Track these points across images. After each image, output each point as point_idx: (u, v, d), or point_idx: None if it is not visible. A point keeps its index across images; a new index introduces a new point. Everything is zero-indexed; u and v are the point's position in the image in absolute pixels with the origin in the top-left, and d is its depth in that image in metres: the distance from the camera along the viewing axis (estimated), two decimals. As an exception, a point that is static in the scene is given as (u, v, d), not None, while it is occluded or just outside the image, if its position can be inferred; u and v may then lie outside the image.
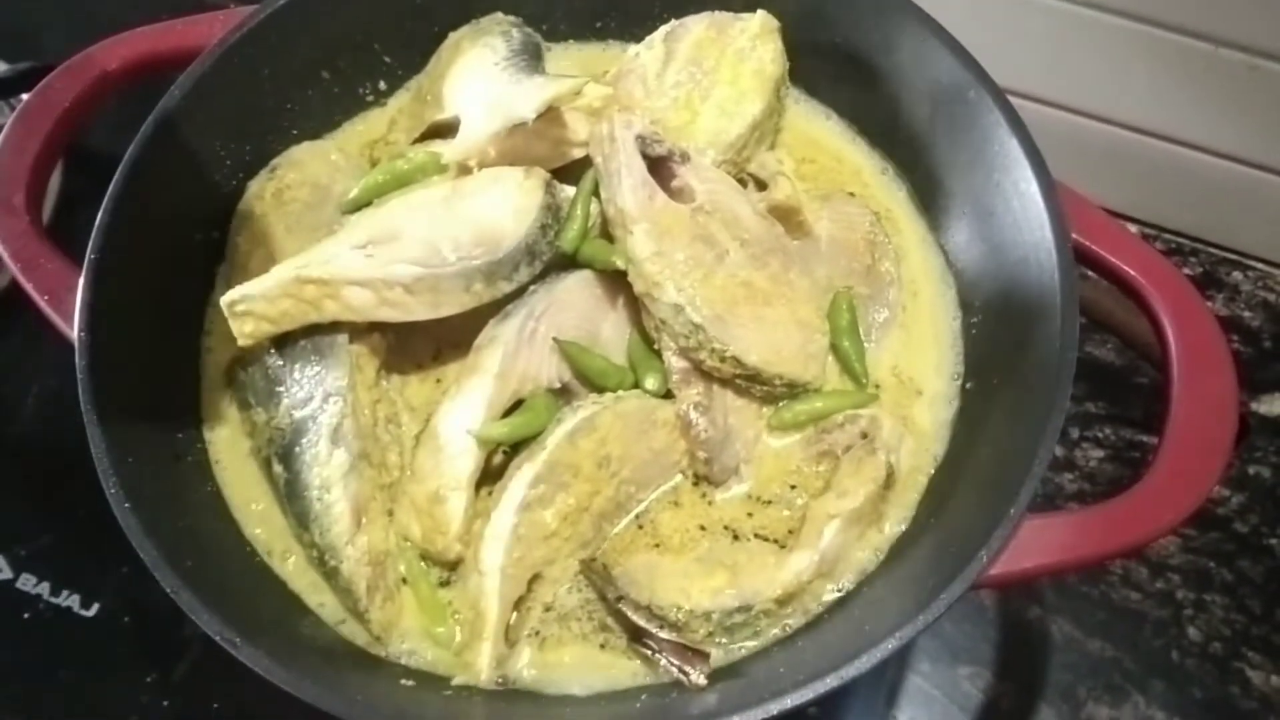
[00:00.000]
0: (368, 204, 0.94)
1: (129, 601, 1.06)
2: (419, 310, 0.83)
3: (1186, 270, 1.29)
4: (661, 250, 0.83)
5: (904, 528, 0.86)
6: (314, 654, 0.79)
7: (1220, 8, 1.09)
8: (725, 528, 0.86)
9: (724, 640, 0.80)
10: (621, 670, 0.81)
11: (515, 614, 0.81)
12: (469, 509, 0.82)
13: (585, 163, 0.89)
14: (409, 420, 0.90)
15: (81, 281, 0.83)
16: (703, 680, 0.76)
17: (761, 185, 0.95)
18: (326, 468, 0.81)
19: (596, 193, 0.87)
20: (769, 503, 0.87)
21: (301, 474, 0.81)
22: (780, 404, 0.89)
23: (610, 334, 0.89)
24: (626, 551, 0.84)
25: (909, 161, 1.01)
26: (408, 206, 0.88)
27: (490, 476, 0.84)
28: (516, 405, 0.84)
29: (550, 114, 0.89)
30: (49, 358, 1.18)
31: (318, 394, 0.83)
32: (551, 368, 0.86)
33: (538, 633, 0.82)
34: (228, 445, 0.89)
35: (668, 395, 0.86)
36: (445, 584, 0.84)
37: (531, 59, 0.98)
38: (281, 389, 0.83)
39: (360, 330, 0.86)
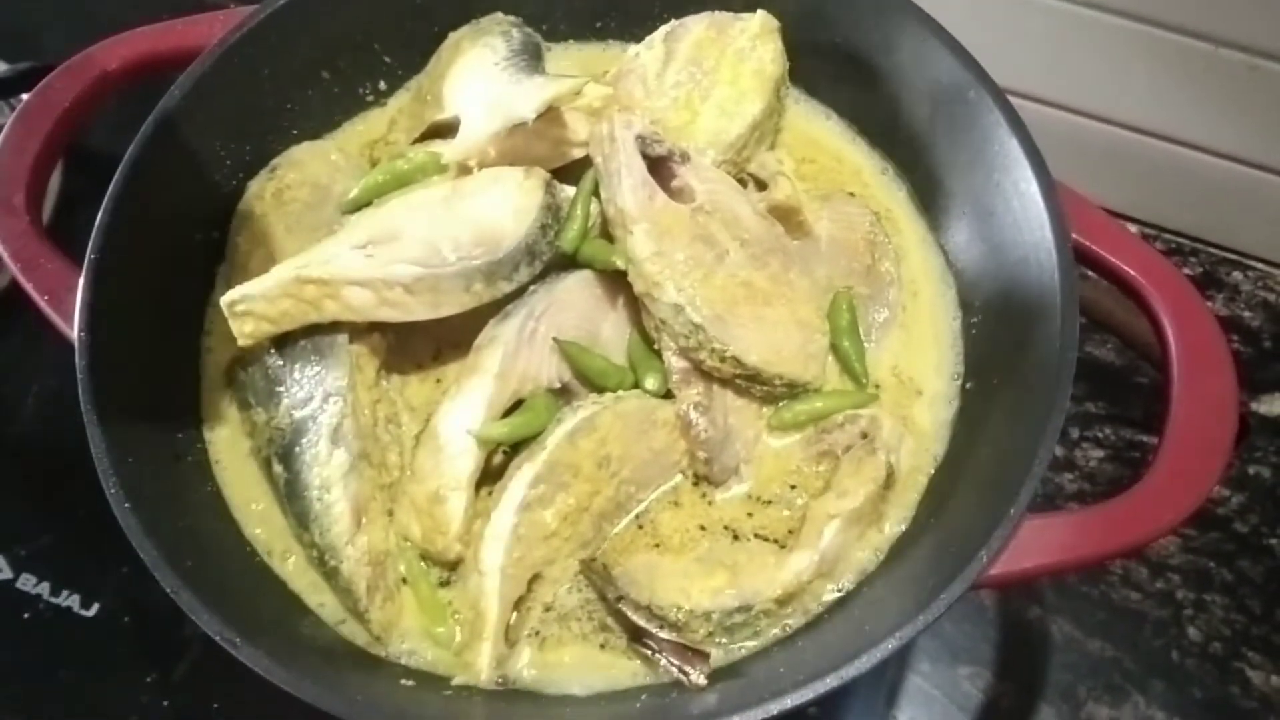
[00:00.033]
0: (368, 204, 0.94)
1: (129, 601, 1.06)
2: (419, 310, 0.83)
3: (1186, 270, 1.29)
4: (661, 250, 0.83)
5: (904, 528, 0.86)
6: (314, 654, 0.79)
7: (1220, 8, 1.09)
8: (725, 528, 0.86)
9: (724, 640, 0.80)
10: (621, 670, 0.81)
11: (515, 614, 0.81)
12: (469, 509, 0.82)
13: (585, 163, 0.89)
14: (409, 420, 0.90)
15: (81, 281, 0.83)
16: (703, 680, 0.76)
17: (761, 185, 0.95)
18: (326, 468, 0.81)
19: (596, 193, 0.87)
20: (769, 503, 0.87)
21: (301, 474, 0.81)
22: (780, 404, 0.89)
23: (610, 334, 0.89)
24: (626, 551, 0.84)
25: (909, 161, 1.01)
26: (408, 206, 0.88)
27: (490, 476, 0.84)
28: (516, 405, 0.84)
29: (550, 114, 0.89)
30: (49, 358, 1.18)
31: (318, 394, 0.83)
32: (551, 368, 0.86)
33: (538, 633, 0.82)
34: (228, 445, 0.89)
35: (668, 395, 0.86)
36: (445, 584, 0.84)
37: (531, 59, 0.98)
38: (281, 389, 0.83)
39: (360, 330, 0.86)
